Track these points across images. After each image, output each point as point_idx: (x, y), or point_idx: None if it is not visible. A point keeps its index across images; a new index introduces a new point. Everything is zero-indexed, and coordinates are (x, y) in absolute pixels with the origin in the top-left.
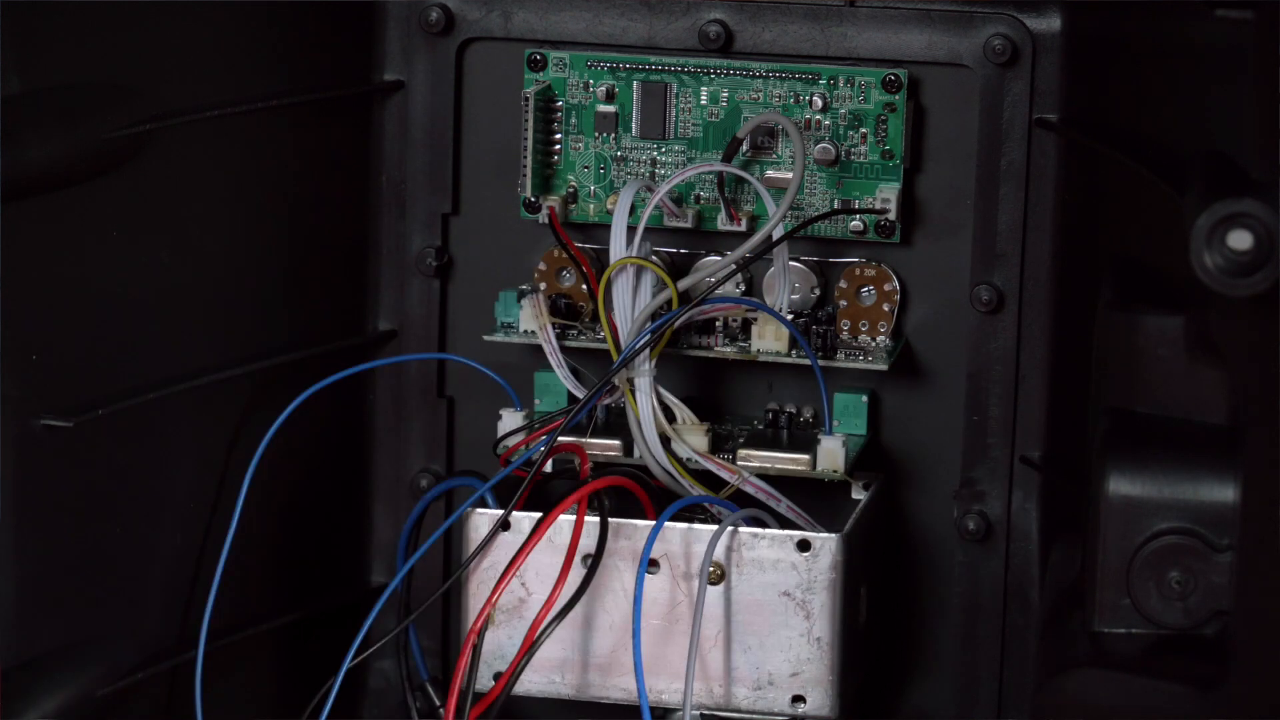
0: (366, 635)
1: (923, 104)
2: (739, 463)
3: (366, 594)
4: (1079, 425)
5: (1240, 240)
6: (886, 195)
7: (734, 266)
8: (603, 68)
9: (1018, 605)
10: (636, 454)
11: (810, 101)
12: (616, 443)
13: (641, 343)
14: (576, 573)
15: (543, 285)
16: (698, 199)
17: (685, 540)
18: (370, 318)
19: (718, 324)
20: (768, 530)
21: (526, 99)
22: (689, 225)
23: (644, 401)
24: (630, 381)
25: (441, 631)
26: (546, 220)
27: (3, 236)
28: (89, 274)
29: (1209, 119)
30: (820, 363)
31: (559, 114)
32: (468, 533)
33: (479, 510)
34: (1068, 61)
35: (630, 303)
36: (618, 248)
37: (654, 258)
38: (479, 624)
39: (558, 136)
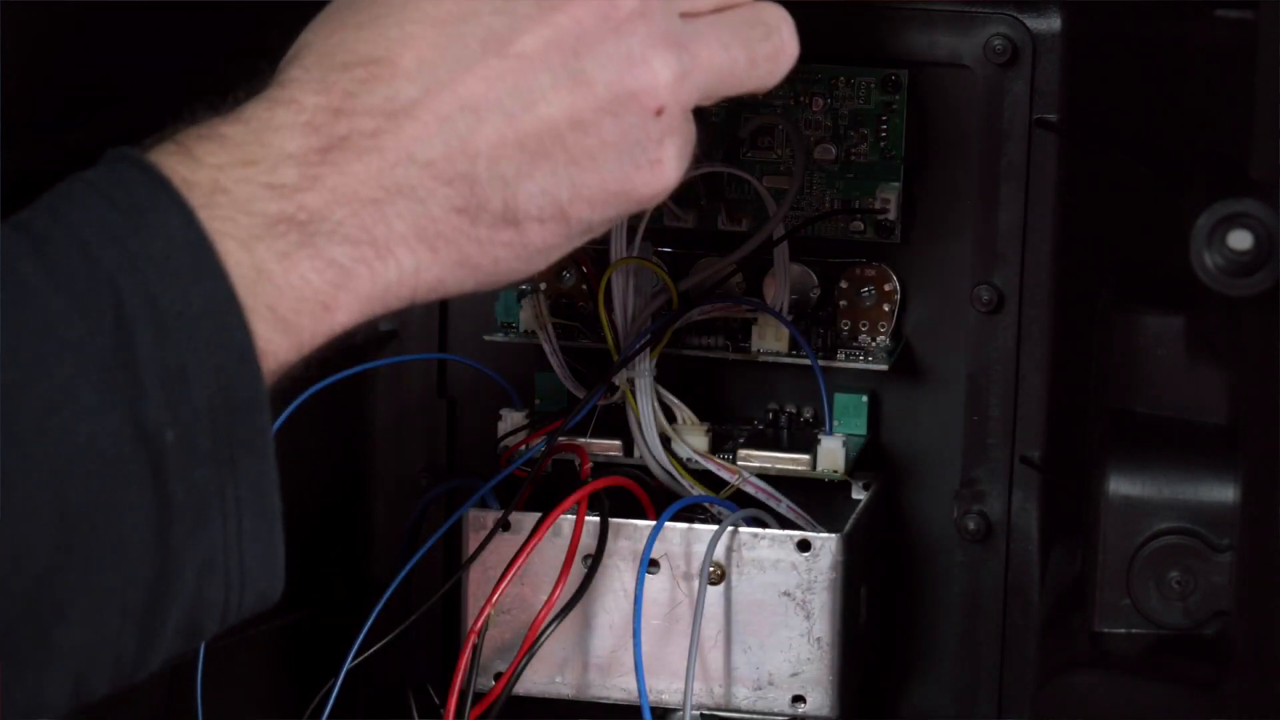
0: (366, 635)
1: (923, 104)
2: (739, 463)
3: (366, 594)
4: (1079, 425)
5: (1240, 240)
6: (886, 195)
7: (734, 266)
8: None
9: (1018, 605)
10: (636, 454)
11: (810, 101)
12: (616, 443)
13: (641, 343)
14: (576, 573)
15: (543, 285)
16: (698, 199)
17: (685, 540)
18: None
19: (718, 324)
20: (768, 530)
21: None
22: (689, 225)
23: (644, 401)
24: (630, 381)
25: (441, 631)
26: None
27: None
28: None
29: (1209, 119)
30: (820, 363)
31: None
32: (468, 533)
33: (479, 510)
34: (1068, 61)
35: (630, 303)
36: (618, 248)
37: (654, 258)
38: (479, 624)
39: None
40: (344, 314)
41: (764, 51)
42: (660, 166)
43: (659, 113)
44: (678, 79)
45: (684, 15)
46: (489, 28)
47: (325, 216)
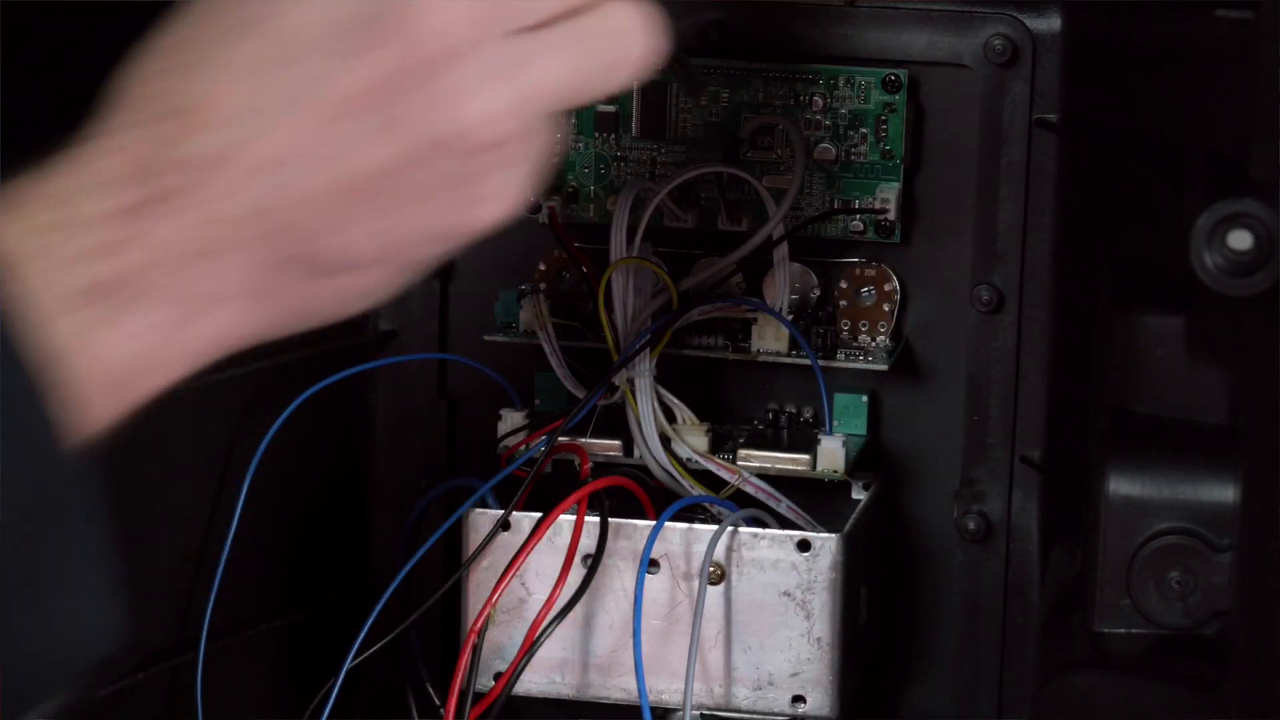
0: (366, 635)
1: (923, 104)
2: (739, 463)
3: (366, 594)
4: (1079, 425)
5: (1240, 240)
6: (886, 195)
7: (734, 266)
8: None
9: (1018, 605)
10: (636, 454)
11: (810, 101)
12: (616, 443)
13: (641, 343)
14: (576, 573)
15: (543, 285)
16: (698, 199)
17: (685, 540)
18: (370, 318)
19: (718, 324)
20: (768, 530)
21: None
22: (689, 225)
23: (644, 401)
24: (630, 381)
25: (441, 631)
26: (546, 220)
27: None
28: None
29: (1209, 119)
30: (820, 363)
31: None
32: (468, 533)
33: (479, 510)
34: (1068, 61)
35: (630, 303)
36: (618, 248)
37: (654, 258)
38: (479, 624)
39: (558, 136)
40: (164, 374)
41: (610, 60)
42: (486, 202)
43: (480, 149)
44: (502, 113)
45: (520, 31)
46: (301, 76)
47: (140, 277)
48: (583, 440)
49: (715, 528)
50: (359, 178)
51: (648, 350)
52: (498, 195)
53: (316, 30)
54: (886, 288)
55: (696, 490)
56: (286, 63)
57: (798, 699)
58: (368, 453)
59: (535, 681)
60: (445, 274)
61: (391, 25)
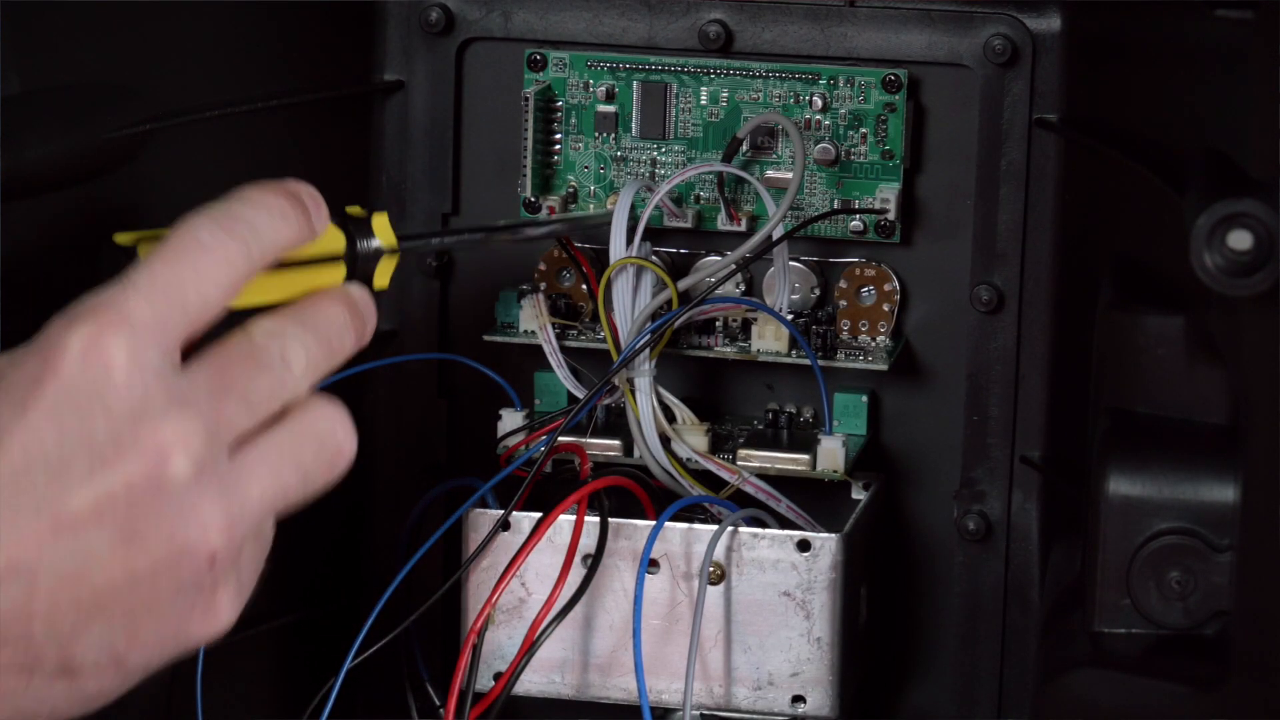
0: (366, 635)
1: (923, 104)
2: (739, 463)
3: (366, 594)
4: (1079, 425)
5: (1240, 240)
6: (886, 195)
7: (734, 266)
8: (603, 68)
9: (1018, 605)
10: (636, 454)
11: (810, 101)
12: (616, 443)
13: (641, 343)
14: (576, 573)
15: (543, 285)
16: (698, 199)
17: (685, 540)
18: None
19: (718, 324)
20: (768, 530)
21: (526, 99)
22: (689, 225)
23: (644, 401)
24: (630, 381)
25: (441, 631)
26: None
27: (3, 236)
28: (89, 275)
29: (1209, 119)
30: (820, 363)
31: (559, 114)
32: (468, 533)
33: (479, 510)
34: (1068, 61)
35: (630, 303)
36: (618, 248)
37: (654, 258)
38: (479, 624)
39: (558, 137)
40: None
41: (320, 463)
42: (214, 609)
43: (212, 561)
44: (227, 527)
45: (233, 444)
46: (41, 491)
47: None
48: (583, 440)
49: (715, 528)
50: (104, 584)
51: (648, 350)
52: (220, 605)
53: (42, 455)
54: (886, 288)
55: (696, 490)
56: (26, 475)
57: (798, 699)
58: (368, 453)
59: (535, 681)
60: (445, 274)
61: (116, 447)
